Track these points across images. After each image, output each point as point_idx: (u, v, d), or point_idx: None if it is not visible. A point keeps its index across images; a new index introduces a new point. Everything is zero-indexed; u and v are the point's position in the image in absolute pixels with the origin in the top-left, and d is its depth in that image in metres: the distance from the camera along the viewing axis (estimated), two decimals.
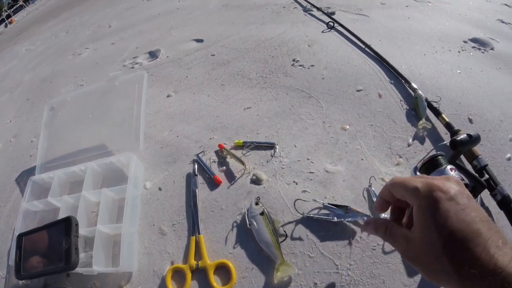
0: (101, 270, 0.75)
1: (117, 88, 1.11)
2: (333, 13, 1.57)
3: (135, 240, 0.84)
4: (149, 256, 0.81)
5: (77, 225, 0.78)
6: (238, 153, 0.95)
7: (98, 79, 1.52)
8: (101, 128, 1.09)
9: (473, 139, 0.77)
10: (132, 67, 1.51)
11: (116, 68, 1.54)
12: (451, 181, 0.34)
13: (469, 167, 0.82)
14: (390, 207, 0.42)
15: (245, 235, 0.79)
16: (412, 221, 0.38)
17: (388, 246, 0.71)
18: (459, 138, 0.77)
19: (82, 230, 0.80)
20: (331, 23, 1.44)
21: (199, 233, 0.81)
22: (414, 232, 0.35)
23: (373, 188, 0.82)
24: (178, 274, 0.76)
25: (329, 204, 0.79)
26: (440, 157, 0.77)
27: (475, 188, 0.69)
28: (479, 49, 1.24)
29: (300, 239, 0.75)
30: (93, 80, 1.54)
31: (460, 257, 0.30)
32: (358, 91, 1.09)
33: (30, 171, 1.12)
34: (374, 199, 0.80)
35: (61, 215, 0.86)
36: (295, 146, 0.95)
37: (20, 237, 0.81)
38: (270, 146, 0.95)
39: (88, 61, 1.73)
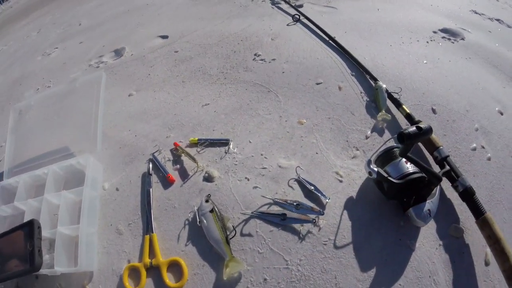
0: (63, 270, 0.76)
1: (78, 90, 1.09)
2: (301, 6, 1.56)
3: (94, 240, 0.85)
4: (108, 255, 0.82)
5: (39, 227, 0.78)
6: (193, 151, 0.95)
7: (64, 80, 1.50)
8: (64, 130, 1.08)
9: (423, 132, 0.72)
10: (98, 67, 1.48)
11: (82, 68, 1.51)
12: None
13: (430, 158, 0.83)
14: None
15: (196, 232, 0.79)
16: None
17: (340, 241, 0.72)
18: (406, 131, 0.74)
19: (46, 232, 0.81)
20: (297, 16, 1.43)
21: (152, 232, 0.81)
22: None
23: (302, 177, 0.83)
24: (134, 272, 0.77)
25: (279, 199, 0.79)
26: (395, 149, 0.77)
27: (430, 181, 0.69)
28: (449, 39, 1.25)
29: (249, 235, 0.76)
30: (59, 81, 1.51)
31: None
32: (317, 84, 1.09)
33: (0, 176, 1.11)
34: (308, 186, 0.81)
35: (26, 218, 0.86)
36: (250, 142, 0.95)
37: None
38: (225, 143, 0.95)
39: (56, 61, 1.69)
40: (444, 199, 0.77)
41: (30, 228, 0.76)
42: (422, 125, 0.75)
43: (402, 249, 0.70)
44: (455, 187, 0.75)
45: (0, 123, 1.40)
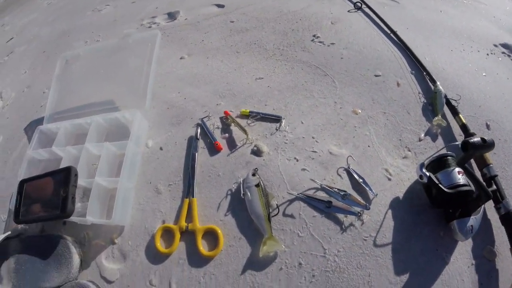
0: (95, 221, 0.77)
1: (130, 46, 1.09)
2: None
3: (130, 195, 0.85)
4: (142, 212, 0.82)
5: (76, 175, 0.79)
6: (243, 122, 0.93)
7: (114, 36, 1.50)
8: (110, 84, 1.08)
9: (487, 144, 0.72)
10: (150, 27, 1.48)
11: (134, 27, 1.51)
12: None
13: (478, 174, 0.79)
14: None
15: (238, 204, 0.78)
16: None
17: (380, 239, 0.70)
18: (472, 140, 0.72)
19: (81, 181, 0.82)
20: (359, 4, 1.37)
21: (193, 196, 0.81)
22: None
23: (352, 168, 0.81)
24: (167, 234, 0.77)
25: (327, 186, 0.77)
26: (449, 157, 0.74)
27: (479, 197, 0.66)
28: (509, 56, 1.17)
29: (292, 216, 0.75)
30: (109, 37, 1.51)
31: None
32: (376, 76, 1.05)
33: (39, 121, 1.12)
34: (357, 177, 0.79)
35: (63, 165, 0.87)
36: (302, 123, 0.92)
37: (22, 183, 0.83)
38: (276, 119, 0.93)
39: (107, 18, 1.70)
40: (484, 219, 0.73)
41: (66, 174, 0.77)
42: (486, 138, 0.73)
43: (438, 260, 0.68)
44: (498, 209, 0.72)
45: (45, 71, 1.43)
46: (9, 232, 0.83)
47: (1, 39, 1.93)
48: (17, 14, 2.26)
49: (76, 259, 0.75)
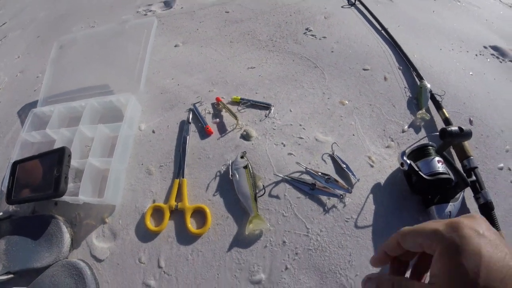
0: (87, 200, 0.78)
1: (127, 31, 1.11)
2: None
3: (122, 176, 0.87)
4: (133, 192, 0.84)
5: (70, 155, 0.80)
6: (234, 108, 0.96)
7: (110, 22, 1.50)
8: (105, 69, 1.09)
9: (464, 133, 0.75)
10: (145, 14, 1.49)
11: (129, 13, 1.52)
12: (477, 218, 0.30)
13: (458, 165, 0.82)
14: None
15: (226, 185, 0.81)
16: (419, 273, 0.35)
17: (361, 221, 0.73)
18: (449, 128, 0.76)
19: (74, 162, 0.83)
20: (353, 0, 1.40)
21: (183, 177, 0.83)
22: (436, 284, 0.29)
23: (336, 154, 0.84)
24: (157, 213, 0.80)
25: (312, 170, 0.80)
26: (430, 147, 0.77)
27: (458, 184, 0.70)
28: (498, 58, 1.21)
29: (277, 197, 0.78)
30: (105, 22, 1.52)
31: None
32: (364, 69, 1.08)
33: (33, 105, 1.14)
34: (340, 163, 0.82)
35: (56, 146, 0.88)
36: (291, 111, 0.95)
37: (15, 164, 0.83)
38: (266, 107, 0.96)
39: (103, 3, 1.70)
40: (463, 208, 0.77)
41: (60, 155, 0.78)
42: (464, 127, 0.76)
43: None
44: (477, 199, 0.75)
45: (39, 56, 1.43)
46: (1, 213, 0.84)
47: None
48: None
49: (67, 238, 0.76)
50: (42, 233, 0.77)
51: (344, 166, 0.81)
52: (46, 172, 0.79)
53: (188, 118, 0.94)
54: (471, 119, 0.95)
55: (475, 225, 0.29)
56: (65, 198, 0.78)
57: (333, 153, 0.84)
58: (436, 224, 0.30)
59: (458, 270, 0.27)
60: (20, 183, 0.81)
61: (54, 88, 1.09)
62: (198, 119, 0.95)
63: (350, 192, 0.76)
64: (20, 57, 1.48)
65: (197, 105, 0.98)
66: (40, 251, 0.74)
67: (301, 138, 0.88)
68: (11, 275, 0.73)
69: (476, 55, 1.20)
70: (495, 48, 1.25)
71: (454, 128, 0.75)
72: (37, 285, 0.70)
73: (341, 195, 0.76)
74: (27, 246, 0.75)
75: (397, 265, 0.37)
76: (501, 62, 1.21)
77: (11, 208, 0.87)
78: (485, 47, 1.24)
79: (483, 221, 0.30)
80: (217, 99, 0.97)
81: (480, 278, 0.26)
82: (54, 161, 0.78)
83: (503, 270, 0.26)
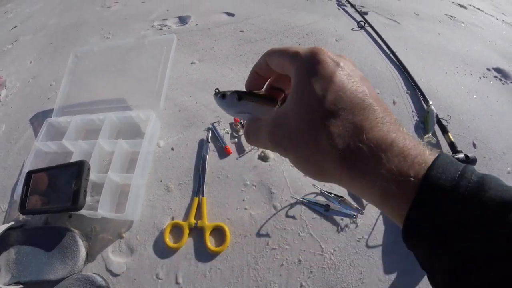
0: (106, 214, 0.79)
1: (146, 47, 1.13)
2: (366, 13, 1.57)
3: (141, 192, 0.88)
4: (152, 209, 0.86)
5: (89, 169, 0.81)
6: None
7: (124, 34, 1.54)
8: (122, 83, 1.11)
9: (469, 161, 0.81)
10: (160, 29, 1.52)
11: (144, 27, 1.55)
12: (344, 56, 0.28)
13: None
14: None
15: (244, 205, 0.84)
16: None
17: (372, 241, 0.77)
18: (456, 156, 0.81)
19: (92, 175, 0.84)
20: (362, 23, 1.45)
21: (202, 195, 0.86)
22: (287, 104, 0.27)
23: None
24: (176, 230, 0.81)
25: (326, 191, 0.84)
26: None
27: None
28: (501, 80, 1.25)
29: (293, 217, 0.81)
30: (119, 35, 1.55)
31: (344, 130, 0.24)
32: None
33: (46, 113, 1.14)
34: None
35: (74, 158, 0.89)
36: None
37: (29, 174, 0.84)
38: None
39: (116, 15, 1.73)
40: None
41: (79, 168, 0.79)
42: (469, 155, 0.80)
43: None
44: None
45: (52, 63, 1.44)
46: (13, 222, 0.83)
47: (5, 27, 1.93)
48: (21, 2, 2.26)
49: (82, 251, 0.76)
50: (56, 245, 0.76)
51: None
52: (63, 184, 0.79)
53: (207, 137, 0.97)
54: (475, 142, 0.99)
55: (337, 58, 0.27)
56: (83, 212, 0.79)
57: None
58: (301, 47, 0.28)
59: (306, 89, 0.26)
60: (34, 193, 0.82)
61: (70, 98, 1.10)
62: (217, 138, 0.98)
63: (362, 213, 0.80)
64: (32, 63, 1.49)
65: (215, 124, 1.01)
66: (53, 263, 0.74)
67: None
68: (21, 286, 0.73)
69: (480, 77, 1.25)
70: (497, 70, 1.30)
71: (461, 155, 0.81)
72: None
73: (353, 215, 0.80)
74: (39, 257, 0.75)
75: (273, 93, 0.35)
76: (503, 84, 1.25)
77: (22, 217, 0.88)
78: (488, 69, 1.29)
79: (349, 61, 0.28)
80: (236, 120, 1.01)
81: (326, 101, 0.24)
82: (73, 173, 0.79)
83: (353, 101, 0.25)
